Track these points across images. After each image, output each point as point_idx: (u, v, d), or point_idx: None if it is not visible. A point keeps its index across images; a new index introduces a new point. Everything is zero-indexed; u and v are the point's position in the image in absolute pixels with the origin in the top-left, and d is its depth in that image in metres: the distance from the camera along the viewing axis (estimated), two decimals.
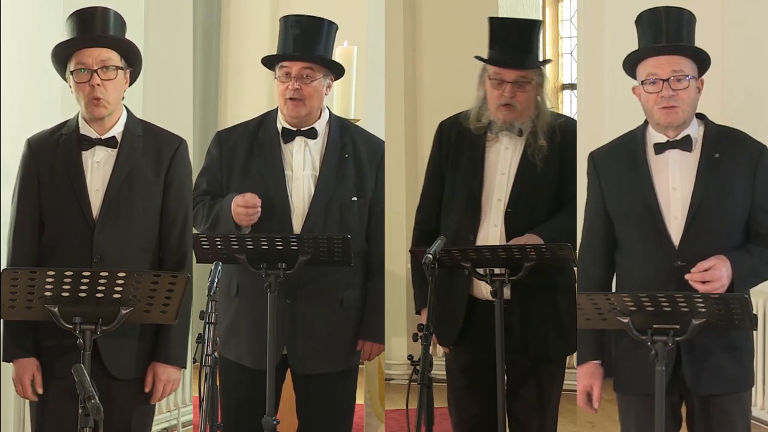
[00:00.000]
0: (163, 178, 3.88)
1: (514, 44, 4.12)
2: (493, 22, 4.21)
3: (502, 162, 4.16)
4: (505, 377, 4.19)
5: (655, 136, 3.70)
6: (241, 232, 4.05)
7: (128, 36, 3.88)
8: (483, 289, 4.10)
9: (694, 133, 3.68)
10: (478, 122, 4.17)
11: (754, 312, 3.54)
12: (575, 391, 3.84)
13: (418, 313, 4.23)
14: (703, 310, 3.41)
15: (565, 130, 4.18)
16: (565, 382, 4.27)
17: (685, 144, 3.66)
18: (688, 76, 3.61)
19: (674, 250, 3.63)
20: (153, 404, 3.92)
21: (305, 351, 4.13)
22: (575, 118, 5.45)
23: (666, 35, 3.66)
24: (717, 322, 3.45)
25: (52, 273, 3.46)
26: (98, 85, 3.77)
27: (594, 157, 3.82)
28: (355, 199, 4.18)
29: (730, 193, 3.63)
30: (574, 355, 3.98)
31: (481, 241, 4.12)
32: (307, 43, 4.15)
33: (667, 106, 3.62)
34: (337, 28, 4.23)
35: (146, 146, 3.88)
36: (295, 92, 4.12)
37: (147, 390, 3.85)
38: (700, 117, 3.72)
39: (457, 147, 4.22)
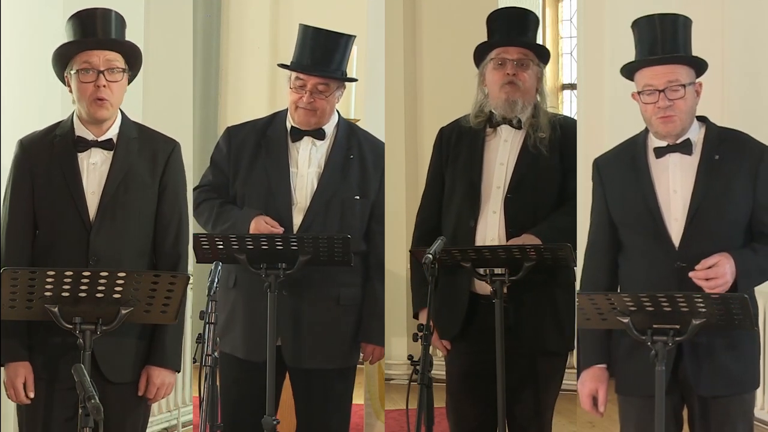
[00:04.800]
0: (158, 182, 3.86)
1: (512, 26, 4.20)
2: (490, 15, 4.28)
3: (501, 153, 4.20)
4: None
5: (655, 141, 3.71)
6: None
7: (128, 36, 3.88)
8: (484, 286, 4.10)
9: (694, 137, 3.68)
10: (477, 117, 4.22)
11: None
12: (575, 391, 3.83)
13: (416, 316, 4.23)
14: (703, 310, 3.41)
15: (564, 126, 4.24)
16: (565, 381, 4.27)
17: (685, 147, 3.67)
18: (684, 84, 3.62)
19: (674, 251, 3.63)
20: (148, 408, 3.89)
21: (299, 343, 4.14)
22: (575, 117, 5.45)
23: (661, 45, 3.66)
24: (717, 322, 3.45)
25: (52, 273, 3.45)
26: (104, 86, 3.76)
27: (598, 165, 3.83)
28: (358, 197, 4.21)
29: (730, 194, 3.63)
30: (575, 352, 3.98)
31: (481, 227, 4.14)
32: (324, 59, 4.19)
33: (664, 116, 3.63)
34: (354, 38, 4.26)
35: (141, 149, 3.87)
36: (309, 104, 4.19)
37: (140, 393, 3.82)
38: (702, 119, 3.73)
39: (457, 146, 4.25)
